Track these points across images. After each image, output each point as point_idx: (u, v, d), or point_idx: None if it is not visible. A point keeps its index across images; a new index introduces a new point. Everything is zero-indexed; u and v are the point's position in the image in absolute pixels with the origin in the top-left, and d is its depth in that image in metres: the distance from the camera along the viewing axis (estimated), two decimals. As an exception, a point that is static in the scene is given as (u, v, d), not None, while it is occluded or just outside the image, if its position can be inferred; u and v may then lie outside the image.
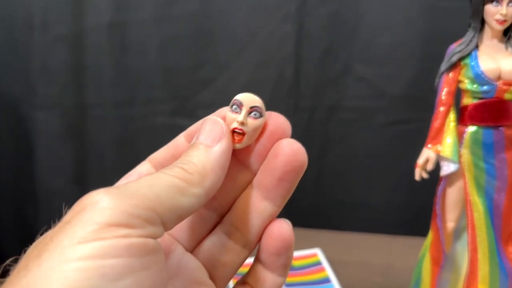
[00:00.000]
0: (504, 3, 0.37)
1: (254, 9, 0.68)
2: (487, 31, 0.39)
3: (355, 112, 0.68)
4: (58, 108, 0.76)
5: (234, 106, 0.22)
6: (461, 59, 0.40)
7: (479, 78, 0.38)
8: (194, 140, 0.22)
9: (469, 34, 0.40)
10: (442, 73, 0.41)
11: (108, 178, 0.86)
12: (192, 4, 0.70)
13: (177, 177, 0.20)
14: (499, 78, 0.38)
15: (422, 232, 0.70)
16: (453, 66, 0.40)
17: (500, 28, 0.38)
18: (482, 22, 0.39)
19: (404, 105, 0.65)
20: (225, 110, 0.23)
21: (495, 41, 0.39)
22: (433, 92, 0.67)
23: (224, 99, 0.77)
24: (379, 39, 0.65)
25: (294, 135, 0.73)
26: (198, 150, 0.21)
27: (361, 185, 0.69)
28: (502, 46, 0.39)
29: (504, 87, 0.38)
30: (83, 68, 0.74)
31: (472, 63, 0.39)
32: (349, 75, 0.67)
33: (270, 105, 0.74)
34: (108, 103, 0.74)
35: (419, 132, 0.66)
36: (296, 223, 0.61)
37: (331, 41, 0.66)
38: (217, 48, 0.70)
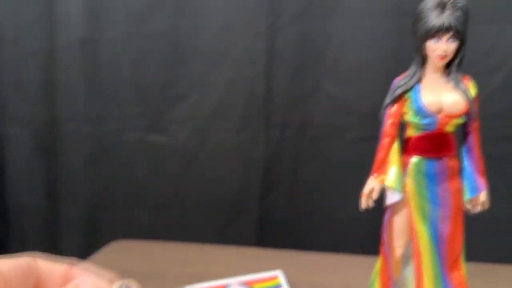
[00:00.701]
0: (444, 39, 0.38)
1: (226, 27, 0.69)
2: (430, 65, 0.40)
3: (325, 128, 0.69)
4: (29, 124, 0.76)
5: None
6: (405, 92, 0.41)
7: (421, 111, 0.40)
8: None
9: (413, 68, 0.41)
10: (387, 105, 0.42)
11: (80, 194, 0.85)
12: (165, 21, 0.71)
13: None
14: (440, 111, 0.39)
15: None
16: (397, 99, 0.41)
17: (441, 63, 0.39)
18: (426, 56, 0.40)
19: (373, 122, 0.67)
20: None
21: (437, 75, 0.40)
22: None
23: (197, 115, 0.78)
24: (347, 58, 0.67)
25: (266, 152, 0.74)
26: None
27: (331, 201, 0.70)
28: (444, 79, 0.40)
29: (445, 120, 0.40)
30: (55, 84, 0.74)
31: (414, 97, 0.40)
32: (319, 93, 0.68)
33: (242, 122, 0.75)
34: (80, 119, 0.74)
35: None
36: (266, 243, 0.61)
37: (301, 59, 0.68)
38: (189, 64, 0.71)
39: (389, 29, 0.66)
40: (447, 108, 0.39)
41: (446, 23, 0.37)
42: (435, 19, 0.38)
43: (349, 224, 0.69)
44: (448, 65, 0.40)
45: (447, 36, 0.38)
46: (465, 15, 0.38)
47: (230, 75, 0.69)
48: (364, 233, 0.70)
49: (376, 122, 0.69)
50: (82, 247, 0.79)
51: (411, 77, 0.40)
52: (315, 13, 0.67)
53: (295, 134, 0.70)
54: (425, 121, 0.39)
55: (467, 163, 0.41)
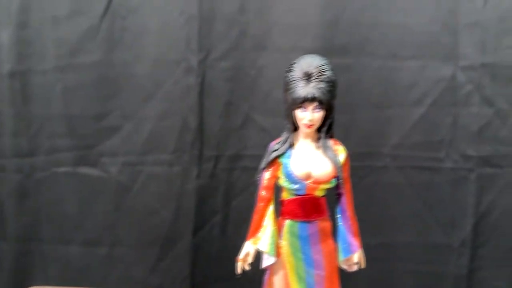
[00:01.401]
0: (310, 109, 0.38)
1: (158, 60, 0.70)
2: (301, 131, 0.41)
3: (257, 160, 0.70)
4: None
5: None
6: (278, 157, 0.42)
7: (289, 177, 0.41)
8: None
9: (285, 134, 0.43)
10: (262, 169, 0.44)
11: (9, 230, 0.82)
12: (96, 54, 0.70)
13: None
14: (308, 177, 0.41)
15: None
16: (272, 163, 0.42)
17: (308, 131, 0.40)
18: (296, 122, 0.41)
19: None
20: None
21: (308, 141, 0.42)
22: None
23: (129, 147, 0.77)
24: (277, 91, 0.69)
25: (199, 184, 0.74)
26: None
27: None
28: (314, 145, 0.42)
29: (313, 186, 0.41)
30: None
31: (285, 162, 0.41)
32: (250, 126, 0.70)
33: (175, 155, 0.74)
34: (8, 153, 0.72)
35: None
36: (198, 276, 0.59)
37: (232, 92, 0.69)
38: (122, 97, 0.71)
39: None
40: (315, 175, 0.40)
41: (311, 95, 0.37)
42: (300, 90, 0.37)
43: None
44: (319, 130, 0.41)
45: (312, 106, 0.38)
46: (331, 86, 0.39)
47: (162, 107, 0.69)
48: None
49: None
50: (11, 285, 0.76)
51: (284, 143, 0.42)
52: (246, 48, 0.69)
53: (228, 166, 0.71)
54: (295, 186, 0.41)
55: (341, 224, 0.42)
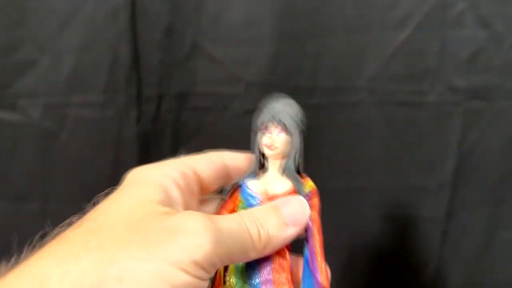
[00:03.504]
0: (273, 132, 0.35)
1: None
2: (267, 162, 0.36)
3: (209, 99, 0.59)
4: None
5: None
6: (238, 184, 0.35)
7: (245, 194, 0.34)
8: (278, 205, 0.28)
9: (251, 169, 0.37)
10: (223, 200, 0.36)
11: None
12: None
13: (251, 237, 0.25)
14: (265, 193, 0.34)
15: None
16: (232, 191, 0.35)
17: (270, 153, 0.35)
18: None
19: (261, 92, 0.57)
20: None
21: (272, 170, 0.35)
22: (292, 77, 0.60)
23: (50, 86, 0.63)
24: (229, 13, 0.55)
25: (141, 130, 0.61)
26: (277, 222, 0.26)
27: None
28: (278, 172, 0.36)
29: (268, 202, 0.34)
30: None
31: (244, 184, 0.34)
32: (198, 56, 0.57)
33: (107, 95, 0.61)
34: None
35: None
36: None
37: (173, 17, 0.55)
38: (33, 23, 0.56)
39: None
40: (272, 190, 0.34)
41: (276, 117, 0.35)
42: (265, 115, 0.36)
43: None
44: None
45: (277, 129, 0.35)
46: (298, 120, 0.36)
47: (83, 36, 0.55)
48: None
49: (264, 92, 0.60)
50: None
51: (246, 173, 0.35)
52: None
53: (175, 107, 0.59)
54: (249, 202, 0.34)
55: (306, 275, 0.34)
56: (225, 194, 0.35)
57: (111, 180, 0.61)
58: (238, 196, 0.35)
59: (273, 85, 0.57)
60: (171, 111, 0.59)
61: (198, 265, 0.22)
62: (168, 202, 0.26)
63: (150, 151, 0.60)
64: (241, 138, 0.61)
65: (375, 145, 0.61)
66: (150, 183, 0.27)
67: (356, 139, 0.61)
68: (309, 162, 0.63)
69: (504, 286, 0.65)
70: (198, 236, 0.22)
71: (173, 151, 0.62)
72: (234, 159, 0.34)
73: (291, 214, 0.28)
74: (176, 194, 0.27)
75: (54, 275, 0.21)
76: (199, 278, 0.22)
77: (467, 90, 0.59)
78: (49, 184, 0.62)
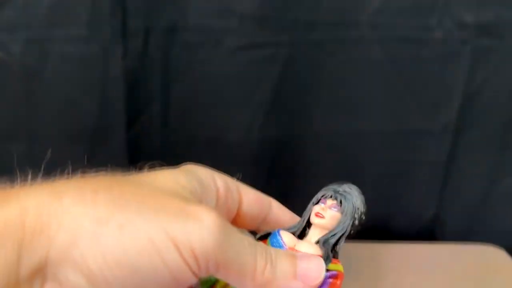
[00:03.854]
0: (327, 205, 0.35)
1: None
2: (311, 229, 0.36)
3: (200, 33, 0.55)
4: None
5: None
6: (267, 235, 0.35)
7: (274, 239, 0.33)
8: (296, 256, 0.27)
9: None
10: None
11: None
12: None
13: (255, 264, 0.24)
14: (292, 247, 0.33)
15: (281, 167, 0.64)
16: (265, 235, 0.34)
17: (316, 220, 0.35)
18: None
19: (256, 26, 0.53)
20: None
21: (310, 236, 0.35)
22: (290, 9, 0.55)
23: (29, 19, 0.58)
24: None
25: (128, 66, 0.58)
26: (287, 269, 0.26)
27: (212, 122, 0.59)
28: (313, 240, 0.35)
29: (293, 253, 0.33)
30: None
31: (276, 232, 0.34)
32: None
33: (90, 28, 0.57)
34: None
35: (273, 59, 0.56)
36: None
37: None
38: None
39: None
40: (298, 246, 0.33)
41: (332, 192, 0.36)
42: (325, 190, 0.37)
43: (234, 148, 0.60)
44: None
45: (331, 203, 0.35)
46: (356, 208, 0.35)
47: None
48: (251, 158, 0.61)
49: (259, 27, 0.56)
50: None
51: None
52: None
53: (163, 41, 0.55)
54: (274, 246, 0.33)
55: None
56: (256, 236, 0.35)
57: (98, 119, 0.59)
58: (267, 241, 0.34)
59: (269, 19, 0.53)
60: (159, 47, 0.55)
61: (193, 254, 0.22)
62: (199, 197, 0.27)
63: (138, 90, 0.57)
64: (234, 76, 0.58)
65: (376, 85, 0.58)
66: (193, 175, 0.28)
67: (357, 79, 0.58)
68: (307, 104, 0.60)
69: (505, 235, 0.64)
70: (207, 230, 0.23)
71: (162, 90, 0.59)
72: (280, 210, 0.34)
73: (305, 269, 0.27)
74: (211, 196, 0.29)
75: (68, 193, 0.23)
76: (189, 267, 0.23)
77: (477, 26, 0.55)
78: (36, 124, 0.59)
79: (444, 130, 0.60)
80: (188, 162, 0.32)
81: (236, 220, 0.33)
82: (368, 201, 0.69)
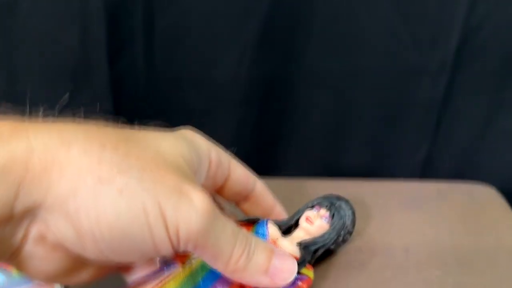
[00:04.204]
0: (320, 212, 0.36)
1: None
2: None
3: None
4: None
5: None
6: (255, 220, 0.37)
7: (260, 228, 0.35)
8: (275, 252, 0.28)
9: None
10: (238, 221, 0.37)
11: None
12: None
13: (231, 253, 0.26)
14: (275, 240, 0.34)
15: (272, 108, 0.62)
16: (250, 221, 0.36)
17: (304, 225, 0.36)
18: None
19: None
20: None
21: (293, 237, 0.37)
22: None
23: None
24: None
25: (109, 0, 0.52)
26: (262, 263, 0.27)
27: (200, 58, 0.56)
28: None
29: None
30: None
31: (265, 220, 0.36)
32: None
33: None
34: None
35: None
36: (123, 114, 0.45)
37: None
38: None
39: None
40: (280, 241, 0.34)
41: (328, 203, 0.37)
42: (320, 199, 0.38)
43: (222, 88, 0.57)
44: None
45: (324, 213, 0.36)
46: (345, 224, 0.36)
47: None
48: (240, 98, 0.59)
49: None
50: None
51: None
52: None
53: (144, -28, 0.52)
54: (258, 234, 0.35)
55: None
56: (244, 218, 0.36)
57: (79, 56, 0.57)
58: (253, 227, 0.34)
59: None
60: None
61: (177, 232, 0.23)
62: (195, 169, 0.28)
63: (120, 25, 0.54)
64: (221, 11, 0.55)
65: (370, 20, 0.55)
66: (193, 146, 0.29)
67: (351, 12, 0.55)
68: (298, 40, 0.57)
69: (497, 177, 0.63)
70: (195, 213, 0.24)
71: (145, 26, 0.56)
72: (263, 193, 0.36)
73: (278, 268, 0.28)
74: (204, 168, 0.30)
75: (77, 142, 0.24)
76: (171, 242, 0.24)
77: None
78: (16, 62, 0.57)
79: (440, 68, 0.57)
80: (186, 127, 0.32)
81: (219, 191, 0.34)
82: (359, 139, 0.67)
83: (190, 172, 0.27)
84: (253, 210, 0.36)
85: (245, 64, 0.56)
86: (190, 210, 0.24)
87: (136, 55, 0.56)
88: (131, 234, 0.23)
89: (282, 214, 0.37)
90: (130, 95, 0.58)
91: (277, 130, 0.62)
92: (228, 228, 0.26)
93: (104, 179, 0.23)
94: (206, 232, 0.24)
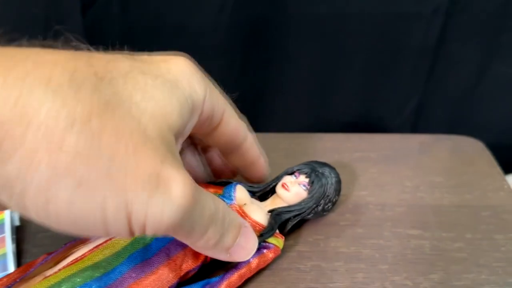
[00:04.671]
0: (298, 179, 0.34)
1: None
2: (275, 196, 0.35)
3: None
4: None
5: None
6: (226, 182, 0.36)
7: (227, 190, 0.33)
8: (242, 231, 0.28)
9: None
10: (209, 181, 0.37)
11: None
12: None
13: (206, 234, 0.25)
14: (242, 201, 0.33)
15: (256, 56, 0.59)
16: (221, 183, 0.36)
17: (280, 191, 0.34)
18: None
19: None
20: None
21: (268, 204, 0.35)
22: None
23: None
24: None
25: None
26: (229, 241, 0.27)
27: (178, 6, 0.52)
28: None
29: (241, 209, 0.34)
30: None
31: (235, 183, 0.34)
32: None
33: None
34: None
35: None
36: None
37: None
38: None
39: None
40: (248, 206, 0.33)
41: (306, 169, 0.34)
42: (300, 165, 0.35)
43: (202, 35, 0.54)
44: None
45: (303, 180, 0.34)
46: (327, 192, 0.34)
47: None
48: (223, 45, 0.56)
49: None
50: None
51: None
52: None
53: None
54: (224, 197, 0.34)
55: None
56: (215, 180, 0.34)
57: (49, 7, 0.53)
58: (222, 189, 0.33)
59: None
60: None
61: (143, 224, 0.22)
62: (185, 123, 0.25)
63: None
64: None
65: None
66: (187, 96, 0.25)
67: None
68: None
69: (491, 125, 0.61)
70: (170, 206, 0.22)
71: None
72: (251, 147, 0.33)
73: (239, 247, 0.27)
74: (193, 121, 0.27)
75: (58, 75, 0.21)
76: (131, 231, 0.22)
77: None
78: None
79: (434, 12, 0.54)
80: (181, 54, 0.29)
81: (207, 139, 0.31)
82: (351, 92, 0.64)
83: (174, 144, 0.24)
84: (235, 161, 0.34)
85: (227, 9, 0.53)
86: (165, 203, 0.21)
87: (110, 2, 0.52)
88: (81, 225, 0.21)
89: (263, 168, 0.35)
90: (104, 45, 0.54)
91: (262, 81, 0.59)
92: (206, 211, 0.24)
93: (60, 169, 0.19)
94: (180, 224, 0.22)
